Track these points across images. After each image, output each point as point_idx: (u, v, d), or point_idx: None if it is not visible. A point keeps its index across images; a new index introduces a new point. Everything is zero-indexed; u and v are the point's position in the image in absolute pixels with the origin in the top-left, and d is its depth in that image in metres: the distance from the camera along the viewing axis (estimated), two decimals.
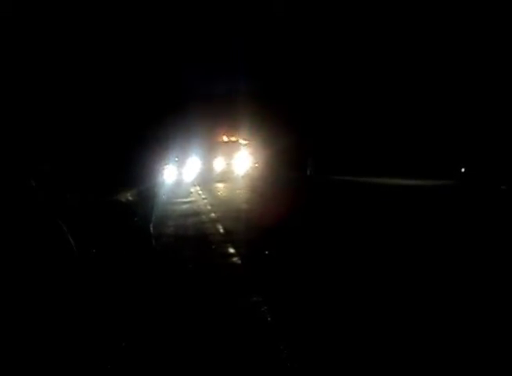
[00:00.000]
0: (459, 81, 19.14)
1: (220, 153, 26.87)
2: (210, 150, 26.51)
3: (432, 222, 10.37)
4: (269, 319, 5.08)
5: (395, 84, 21.74)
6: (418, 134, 21.01)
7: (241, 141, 32.96)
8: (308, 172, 27.62)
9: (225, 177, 26.37)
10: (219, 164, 26.95)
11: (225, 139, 28.29)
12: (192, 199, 18.95)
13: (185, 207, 16.18)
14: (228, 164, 26.96)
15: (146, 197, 10.28)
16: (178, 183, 26.14)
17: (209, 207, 15.27)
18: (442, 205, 12.92)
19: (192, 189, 23.23)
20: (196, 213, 14.19)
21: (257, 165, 26.87)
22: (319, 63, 25.65)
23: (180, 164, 33.33)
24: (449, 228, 9.65)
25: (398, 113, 21.77)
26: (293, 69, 27.24)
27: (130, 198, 11.58)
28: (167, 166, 26.83)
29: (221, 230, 10.91)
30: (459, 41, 18.93)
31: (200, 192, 21.37)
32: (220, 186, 24.03)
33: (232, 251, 8.59)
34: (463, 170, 19.08)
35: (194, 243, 9.79)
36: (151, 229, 9.08)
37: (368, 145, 23.40)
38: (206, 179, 25.91)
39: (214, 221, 12.31)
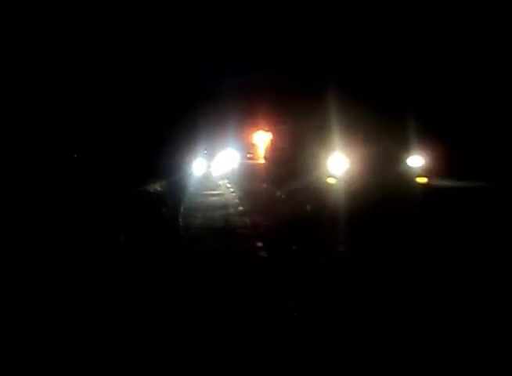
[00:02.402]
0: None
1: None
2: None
3: None
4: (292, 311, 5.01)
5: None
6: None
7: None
8: None
9: None
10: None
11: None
12: (220, 192, 18.99)
13: (213, 199, 16.22)
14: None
15: (175, 189, 10.34)
16: (207, 176, 26.25)
17: (237, 201, 15.27)
18: None
19: (220, 182, 23.30)
20: (224, 206, 14.19)
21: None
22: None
23: (209, 156, 33.47)
24: None
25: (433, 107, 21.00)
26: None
27: (159, 189, 11.71)
28: (197, 159, 27.03)
29: (249, 224, 10.89)
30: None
31: (229, 185, 21.39)
32: None
33: (259, 244, 8.53)
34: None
35: (222, 235, 9.77)
36: (180, 220, 9.09)
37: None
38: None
39: (242, 214, 12.30)
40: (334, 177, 15.09)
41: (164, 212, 10.40)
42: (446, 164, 16.38)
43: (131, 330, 4.65)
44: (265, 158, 44.55)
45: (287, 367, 3.91)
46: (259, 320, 4.92)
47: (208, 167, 31.82)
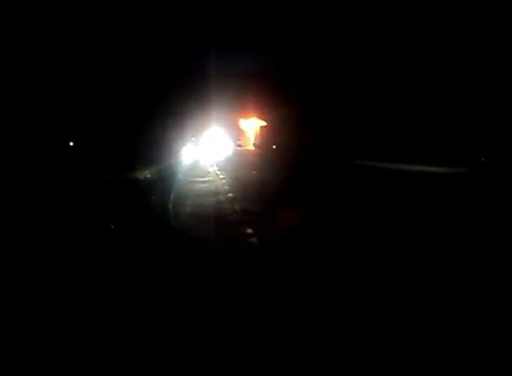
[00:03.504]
0: (483, 71, 18.83)
1: None
2: None
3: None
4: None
5: (422, 69, 21.39)
6: (441, 121, 20.76)
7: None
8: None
9: None
10: None
11: None
12: (210, 178, 18.96)
13: (203, 186, 16.19)
14: None
15: (165, 176, 10.29)
16: (196, 163, 26.15)
17: (226, 188, 15.26)
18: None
19: (209, 169, 23.26)
20: (214, 193, 14.18)
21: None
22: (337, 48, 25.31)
23: (198, 144, 33.37)
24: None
25: (423, 99, 21.47)
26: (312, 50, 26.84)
27: (148, 176, 11.67)
28: (186, 146, 26.93)
29: (239, 210, 10.89)
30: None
31: (218, 172, 21.37)
32: None
33: (249, 231, 8.55)
34: (482, 160, 18.94)
35: (212, 222, 9.77)
36: (169, 207, 9.07)
37: (389, 130, 23.17)
38: None
39: (232, 201, 12.29)
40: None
41: (154, 199, 10.38)
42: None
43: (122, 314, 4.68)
44: (255, 145, 44.51)
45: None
46: (246, 307, 4.95)
47: (197, 154, 31.80)
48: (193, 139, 33.71)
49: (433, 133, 21.07)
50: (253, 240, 7.93)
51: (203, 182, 17.53)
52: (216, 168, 23.23)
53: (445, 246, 7.01)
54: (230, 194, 13.58)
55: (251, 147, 44.50)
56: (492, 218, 8.79)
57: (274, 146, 38.45)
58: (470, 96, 19.76)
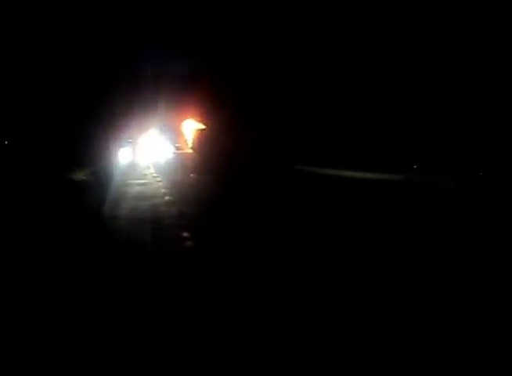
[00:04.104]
0: (420, 78, 19.62)
1: None
2: None
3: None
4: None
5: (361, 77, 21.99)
6: (378, 129, 21.45)
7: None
8: None
9: None
10: None
11: None
12: (147, 181, 18.78)
13: (139, 189, 16.02)
14: None
15: (100, 178, 10.16)
16: (133, 165, 25.76)
17: (163, 191, 15.19)
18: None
19: (146, 172, 23.01)
20: (151, 196, 14.08)
21: None
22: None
23: (135, 146, 32.89)
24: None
25: (361, 105, 22.09)
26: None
27: (83, 178, 11.46)
28: (123, 148, 26.49)
29: (175, 214, 10.89)
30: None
31: (155, 175, 21.19)
32: None
33: (185, 234, 8.59)
34: (415, 166, 19.80)
35: (148, 226, 9.73)
36: (104, 210, 8.98)
37: (329, 136, 23.68)
38: None
39: (169, 204, 12.27)
40: None
41: (88, 201, 10.21)
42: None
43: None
44: (193, 148, 44.24)
45: None
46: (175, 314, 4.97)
47: (134, 156, 31.32)
48: (130, 140, 33.13)
49: (371, 140, 21.72)
50: (188, 243, 7.99)
51: (140, 184, 17.35)
52: (153, 171, 23.01)
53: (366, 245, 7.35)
54: (167, 197, 13.53)
55: (190, 150, 44.20)
56: (421, 219, 9.29)
57: (212, 150, 38.35)
58: (405, 104, 20.51)
